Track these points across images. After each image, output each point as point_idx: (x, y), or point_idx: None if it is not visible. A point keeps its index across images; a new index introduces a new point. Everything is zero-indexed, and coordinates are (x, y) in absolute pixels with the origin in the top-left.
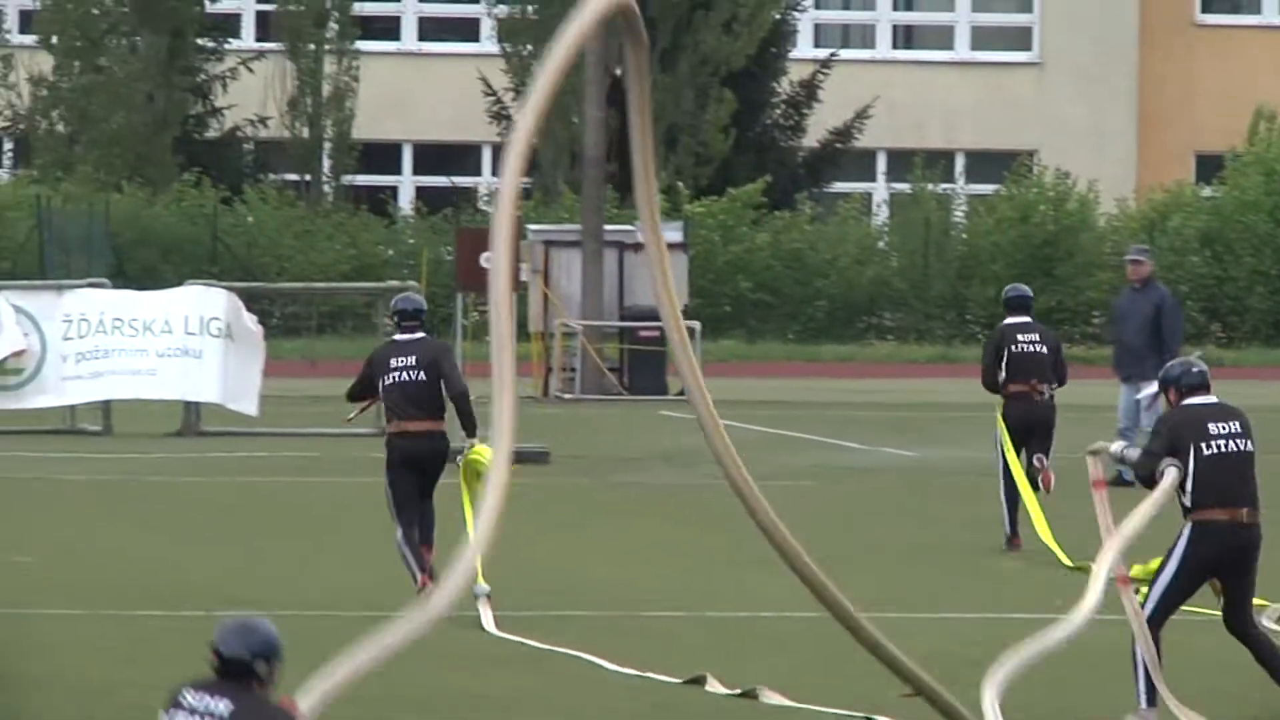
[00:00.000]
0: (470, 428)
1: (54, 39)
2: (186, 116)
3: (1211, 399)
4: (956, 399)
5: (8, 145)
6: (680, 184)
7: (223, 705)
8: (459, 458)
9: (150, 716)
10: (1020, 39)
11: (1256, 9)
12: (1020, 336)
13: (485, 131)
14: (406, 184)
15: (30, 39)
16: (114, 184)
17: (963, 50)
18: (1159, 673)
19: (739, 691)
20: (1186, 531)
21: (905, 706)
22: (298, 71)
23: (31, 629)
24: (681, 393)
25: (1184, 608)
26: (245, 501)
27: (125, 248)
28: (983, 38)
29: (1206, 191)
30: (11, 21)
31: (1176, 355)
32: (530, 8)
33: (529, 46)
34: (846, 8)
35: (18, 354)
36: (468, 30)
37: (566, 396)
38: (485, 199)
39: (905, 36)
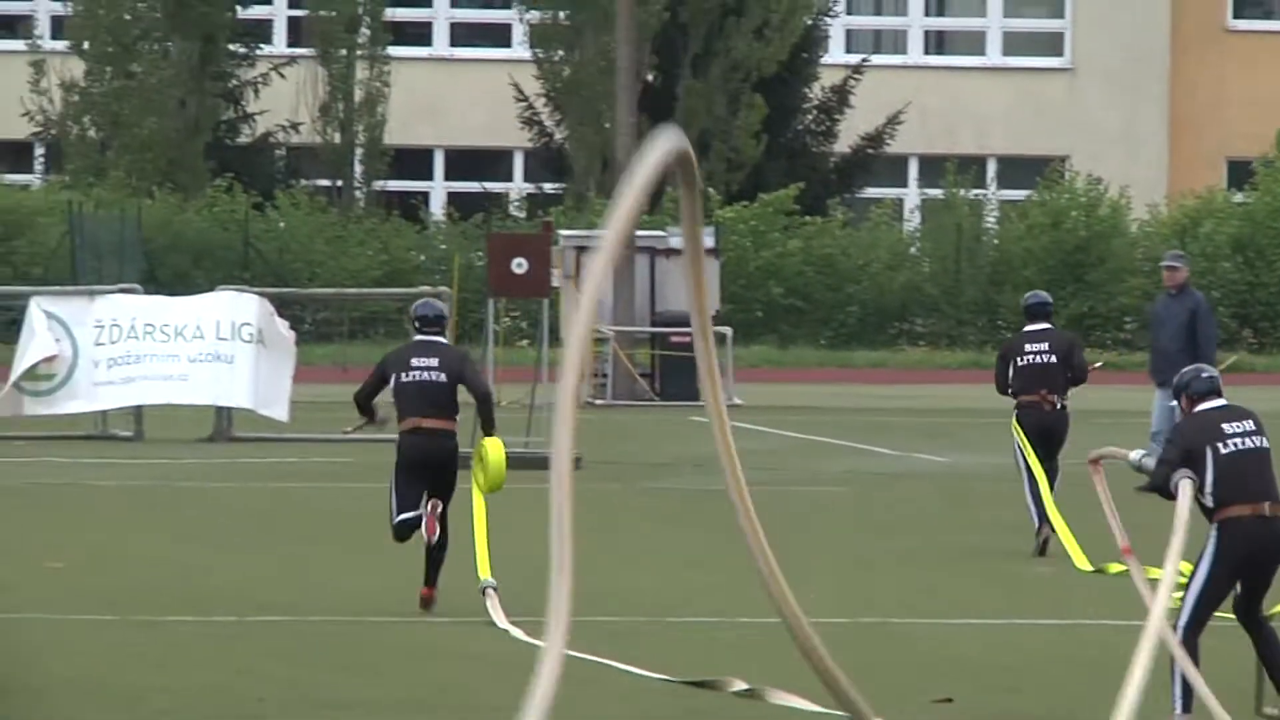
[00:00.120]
0: (489, 428)
1: (86, 44)
2: (218, 122)
3: (1221, 402)
4: (988, 405)
5: (40, 151)
6: (712, 190)
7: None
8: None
9: None
10: (1052, 44)
11: None
12: (1028, 347)
13: (517, 137)
14: (438, 189)
15: (62, 44)
16: (146, 190)
17: (994, 55)
18: (1196, 675)
19: (740, 690)
20: (1213, 533)
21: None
22: (329, 77)
23: (63, 634)
24: None
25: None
26: (277, 507)
27: (157, 253)
28: (1014, 43)
29: (1238, 197)
30: (44, 27)
31: (1211, 361)
32: (562, 13)
33: (560, 52)
34: (878, 13)
35: (49, 360)
36: (499, 35)
37: (598, 402)
38: (515, 204)
39: (937, 42)
